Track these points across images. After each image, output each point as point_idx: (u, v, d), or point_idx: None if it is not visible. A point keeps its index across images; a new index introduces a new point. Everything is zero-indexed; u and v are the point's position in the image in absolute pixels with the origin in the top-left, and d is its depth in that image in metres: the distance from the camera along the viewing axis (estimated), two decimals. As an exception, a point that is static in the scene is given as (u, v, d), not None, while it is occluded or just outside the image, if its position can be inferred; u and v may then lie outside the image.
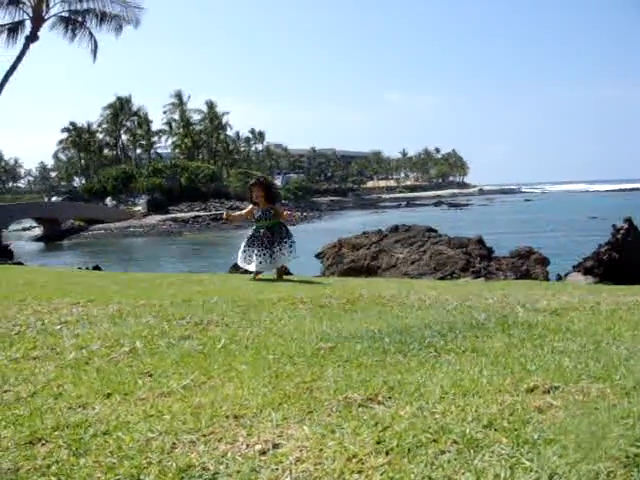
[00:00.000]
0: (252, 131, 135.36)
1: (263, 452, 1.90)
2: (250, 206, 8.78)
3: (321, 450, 1.89)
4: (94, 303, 5.24)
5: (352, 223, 62.13)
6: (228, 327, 4.02)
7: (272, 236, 8.41)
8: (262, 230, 8.46)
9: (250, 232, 8.65)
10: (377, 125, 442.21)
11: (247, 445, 1.95)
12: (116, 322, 4.28)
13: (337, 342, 3.36)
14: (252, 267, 8.39)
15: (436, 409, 2.20)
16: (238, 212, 9.81)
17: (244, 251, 8.49)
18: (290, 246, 8.50)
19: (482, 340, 3.38)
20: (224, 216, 9.44)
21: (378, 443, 1.92)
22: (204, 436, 2.04)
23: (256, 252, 8.36)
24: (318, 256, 22.43)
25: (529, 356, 2.96)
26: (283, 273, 8.74)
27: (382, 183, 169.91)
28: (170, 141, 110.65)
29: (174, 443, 1.99)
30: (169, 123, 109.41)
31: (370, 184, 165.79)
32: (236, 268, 8.65)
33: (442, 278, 17.48)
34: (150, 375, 2.82)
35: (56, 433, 2.10)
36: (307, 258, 24.09)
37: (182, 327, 4.02)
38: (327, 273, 20.56)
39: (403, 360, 2.96)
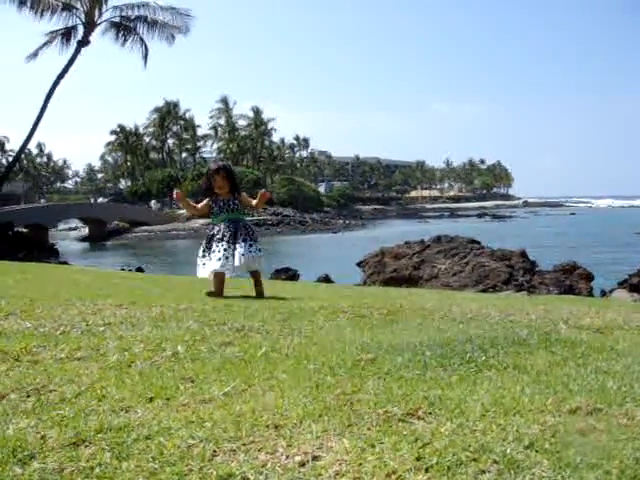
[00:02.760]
0: (297, 138, 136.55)
1: (302, 464, 1.90)
2: (206, 200, 7.08)
3: (360, 464, 1.88)
4: (137, 305, 5.29)
5: (395, 232, 61.85)
6: (269, 334, 4.03)
7: (235, 231, 6.82)
8: (222, 225, 6.87)
9: (208, 232, 7.07)
10: (422, 135, 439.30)
11: (287, 456, 1.96)
12: (158, 325, 4.31)
13: (378, 354, 3.35)
14: (209, 270, 6.81)
15: (477, 427, 2.18)
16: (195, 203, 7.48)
17: (203, 256, 6.88)
18: (258, 245, 6.95)
19: (524, 357, 3.34)
20: (174, 194, 7.42)
21: (418, 460, 1.91)
22: (244, 445, 2.04)
23: (215, 250, 6.76)
24: (360, 265, 22.35)
25: (572, 375, 2.92)
26: (261, 290, 6.98)
27: (425, 193, 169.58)
28: (215, 146, 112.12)
29: (215, 451, 2.00)
30: (215, 128, 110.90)
31: (413, 194, 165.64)
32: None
33: (484, 290, 17.33)
34: (192, 381, 2.84)
35: (99, 435, 2.13)
36: (349, 266, 24.07)
37: (223, 333, 4.03)
38: (368, 282, 20.50)
39: (444, 375, 2.93)
